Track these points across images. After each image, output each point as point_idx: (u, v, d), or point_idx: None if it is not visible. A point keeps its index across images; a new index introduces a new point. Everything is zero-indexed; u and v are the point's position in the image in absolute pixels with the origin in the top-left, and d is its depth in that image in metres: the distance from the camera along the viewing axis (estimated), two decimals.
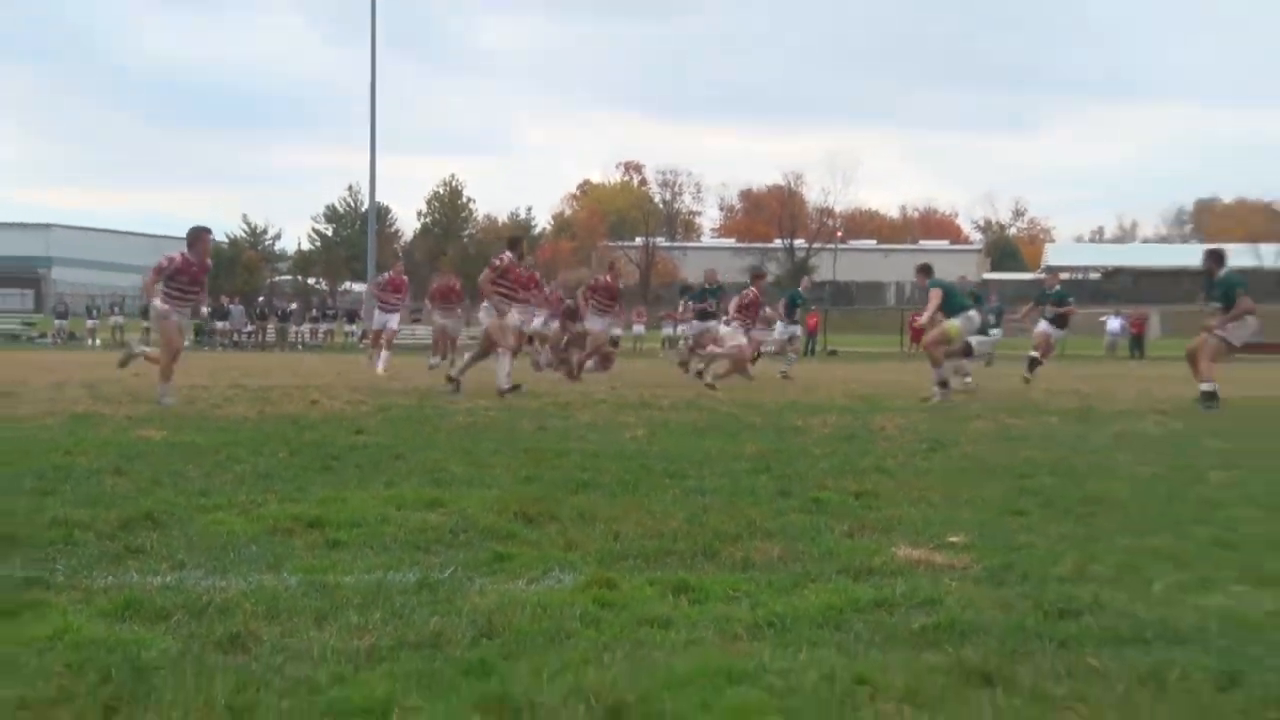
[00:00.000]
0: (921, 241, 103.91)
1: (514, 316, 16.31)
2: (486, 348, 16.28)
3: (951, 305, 16.22)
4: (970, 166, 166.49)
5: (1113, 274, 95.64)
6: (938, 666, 3.55)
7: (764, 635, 3.91)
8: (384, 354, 22.62)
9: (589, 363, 21.23)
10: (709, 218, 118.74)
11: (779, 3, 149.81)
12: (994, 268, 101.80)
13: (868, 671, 3.48)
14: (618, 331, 26.74)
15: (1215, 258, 16.01)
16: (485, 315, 16.11)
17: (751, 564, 5.06)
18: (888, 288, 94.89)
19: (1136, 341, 49.69)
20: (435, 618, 4.02)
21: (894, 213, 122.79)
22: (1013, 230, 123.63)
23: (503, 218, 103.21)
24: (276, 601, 4.23)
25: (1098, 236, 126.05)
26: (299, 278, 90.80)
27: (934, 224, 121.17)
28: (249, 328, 52.28)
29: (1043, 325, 22.07)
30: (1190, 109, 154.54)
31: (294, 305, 58.14)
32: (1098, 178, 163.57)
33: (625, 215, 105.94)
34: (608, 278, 21.92)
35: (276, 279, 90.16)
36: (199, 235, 14.66)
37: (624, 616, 4.10)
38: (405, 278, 24.45)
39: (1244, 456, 9.28)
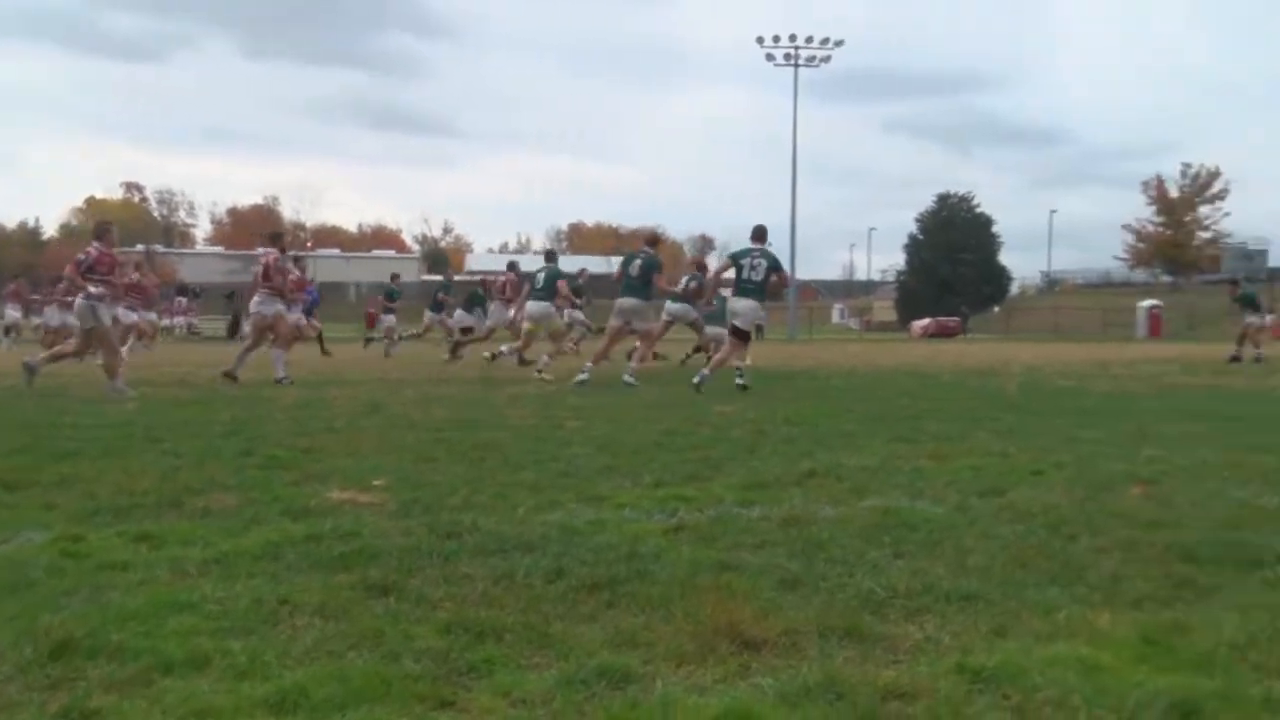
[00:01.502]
0: (374, 251, 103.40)
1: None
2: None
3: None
4: (411, 194, 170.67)
5: None
6: (347, 584, 3.47)
7: (210, 571, 3.66)
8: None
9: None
10: (203, 229, 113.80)
11: (245, 58, 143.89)
12: (429, 271, 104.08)
13: (290, 593, 3.34)
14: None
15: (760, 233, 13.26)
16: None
17: (210, 512, 4.72)
18: (349, 288, 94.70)
19: None
20: None
21: (353, 228, 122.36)
22: (443, 242, 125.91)
23: (11, 226, 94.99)
24: None
25: (504, 248, 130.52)
26: None
27: (384, 238, 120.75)
28: None
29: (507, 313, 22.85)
30: (564, 160, 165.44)
31: None
32: (502, 204, 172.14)
33: (128, 226, 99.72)
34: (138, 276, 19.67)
35: None
36: (108, 228, 12.14)
37: (87, 564, 3.70)
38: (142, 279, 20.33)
39: (595, 410, 9.84)
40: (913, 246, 76.85)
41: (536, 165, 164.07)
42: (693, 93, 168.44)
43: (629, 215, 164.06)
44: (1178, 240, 76.10)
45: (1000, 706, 2.48)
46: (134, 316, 19.33)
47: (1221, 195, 76.17)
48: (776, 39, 57.87)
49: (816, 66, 58.79)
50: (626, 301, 13.97)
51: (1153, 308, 56.35)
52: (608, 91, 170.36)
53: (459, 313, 22.23)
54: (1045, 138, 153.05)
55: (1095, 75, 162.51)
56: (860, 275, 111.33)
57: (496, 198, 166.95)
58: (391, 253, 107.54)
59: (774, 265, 12.69)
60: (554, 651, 2.86)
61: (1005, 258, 78.02)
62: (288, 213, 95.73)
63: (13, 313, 25.94)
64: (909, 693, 2.53)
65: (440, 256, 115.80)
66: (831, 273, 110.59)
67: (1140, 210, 79.82)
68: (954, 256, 72.08)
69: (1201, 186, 76.58)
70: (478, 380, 14.31)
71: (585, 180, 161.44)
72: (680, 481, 5.60)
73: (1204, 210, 76.87)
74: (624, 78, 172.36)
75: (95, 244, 11.97)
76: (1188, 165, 76.84)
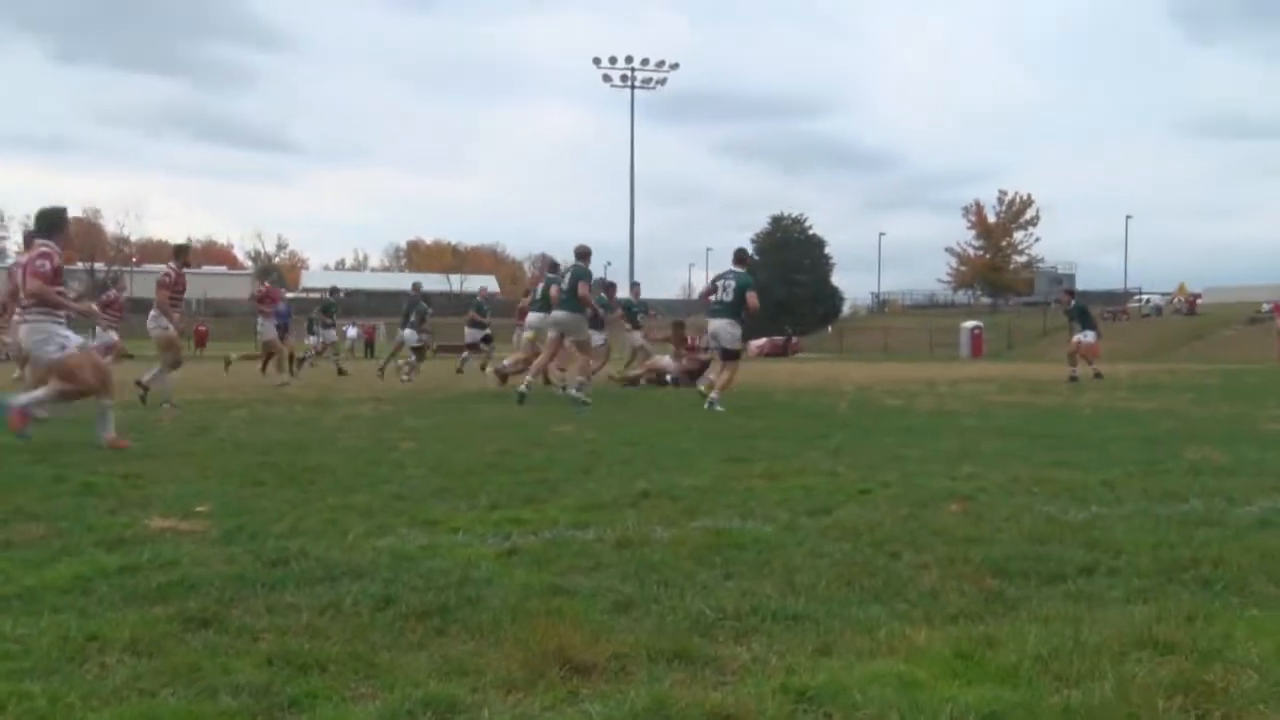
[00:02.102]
0: (205, 267, 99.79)
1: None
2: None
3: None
4: (242, 209, 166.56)
5: (352, 294, 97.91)
6: (163, 617, 3.31)
7: (11, 607, 3.43)
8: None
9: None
10: (15, 242, 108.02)
11: (55, 63, 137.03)
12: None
13: (100, 629, 3.16)
14: None
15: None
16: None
17: (13, 544, 4.42)
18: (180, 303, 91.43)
19: (369, 346, 50.98)
20: None
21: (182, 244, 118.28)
22: (278, 259, 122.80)
23: None
24: None
25: (341, 265, 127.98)
26: None
27: (214, 253, 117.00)
28: None
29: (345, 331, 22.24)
30: (401, 176, 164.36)
31: None
32: (338, 220, 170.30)
33: None
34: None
35: None
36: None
37: None
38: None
39: (431, 431, 9.71)
40: (750, 267, 78.58)
41: (373, 181, 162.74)
42: (531, 111, 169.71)
43: (468, 233, 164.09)
44: (996, 264, 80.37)
45: None
46: (114, 336, 18.47)
47: (1034, 222, 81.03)
48: (613, 60, 58.58)
49: (653, 88, 59.75)
50: (561, 315, 14.10)
51: (975, 328, 59.09)
52: (445, 108, 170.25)
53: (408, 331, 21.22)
54: (873, 162, 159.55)
55: (920, 103, 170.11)
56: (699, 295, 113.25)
57: (332, 214, 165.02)
58: (223, 269, 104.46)
59: (742, 285, 13.20)
60: (380, 682, 2.79)
61: (837, 278, 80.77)
62: (110, 226, 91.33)
63: None
64: (735, 714, 2.56)
65: (274, 273, 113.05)
66: (671, 292, 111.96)
67: (962, 234, 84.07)
68: (789, 277, 74.08)
69: (1016, 213, 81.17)
70: (311, 401, 13.94)
71: (423, 197, 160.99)
72: (516, 504, 5.55)
73: (1018, 236, 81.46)
74: (461, 95, 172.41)
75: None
76: (1004, 193, 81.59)
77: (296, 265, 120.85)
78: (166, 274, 13.79)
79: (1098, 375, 20.60)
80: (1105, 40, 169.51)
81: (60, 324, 8.38)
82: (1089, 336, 21.50)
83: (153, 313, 13.53)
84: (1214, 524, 4.98)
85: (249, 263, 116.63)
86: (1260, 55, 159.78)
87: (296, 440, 8.70)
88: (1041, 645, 3.01)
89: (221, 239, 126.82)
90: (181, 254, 14.59)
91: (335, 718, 2.54)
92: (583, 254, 14.58)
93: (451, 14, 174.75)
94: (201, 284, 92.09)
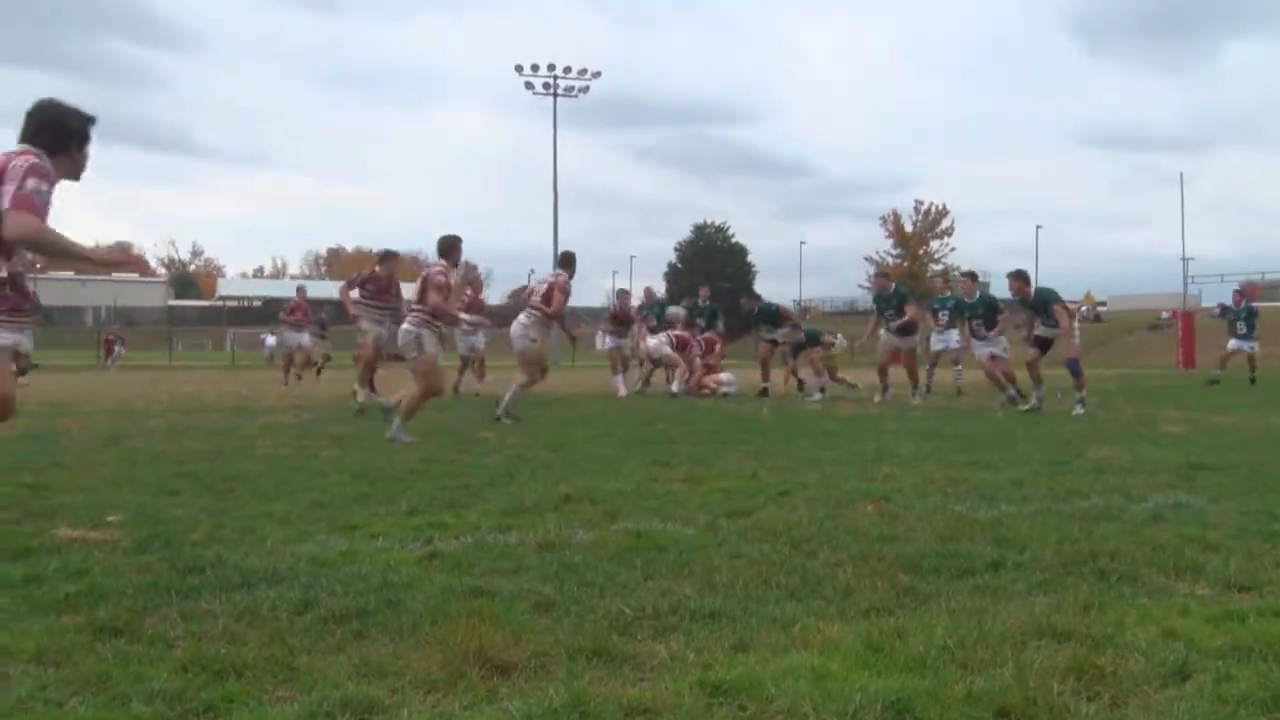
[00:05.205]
0: (115, 274, 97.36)
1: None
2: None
3: None
4: (147, 213, 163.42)
5: (271, 302, 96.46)
6: (72, 627, 3.25)
7: None
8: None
9: None
10: None
11: None
12: (177, 296, 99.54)
13: (4, 640, 3.08)
14: None
15: (1022, 278, 14.74)
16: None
17: None
18: (86, 311, 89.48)
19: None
20: None
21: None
22: (192, 267, 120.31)
23: None
24: None
25: (259, 273, 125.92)
26: None
27: None
28: None
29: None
30: (317, 182, 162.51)
31: None
32: (250, 227, 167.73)
33: None
34: None
35: None
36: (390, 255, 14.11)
37: None
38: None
39: (351, 438, 9.62)
40: (673, 274, 79.05)
41: (286, 187, 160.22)
42: (451, 117, 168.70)
43: (391, 240, 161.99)
44: (914, 271, 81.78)
45: (737, 717, 2.59)
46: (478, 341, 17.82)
47: (949, 231, 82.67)
48: (535, 68, 58.23)
49: (575, 97, 59.61)
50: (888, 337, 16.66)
51: None
52: (360, 112, 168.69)
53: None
54: (793, 170, 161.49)
55: (838, 112, 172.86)
56: None
57: (245, 220, 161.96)
58: (134, 276, 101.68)
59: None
60: (298, 685, 2.78)
61: (760, 285, 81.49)
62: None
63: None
64: (652, 709, 2.61)
65: (190, 280, 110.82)
66: (596, 299, 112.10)
67: (880, 243, 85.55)
68: (713, 285, 74.61)
69: (932, 222, 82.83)
70: (230, 410, 13.69)
71: (339, 203, 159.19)
72: (437, 509, 5.55)
73: (935, 245, 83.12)
74: (377, 99, 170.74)
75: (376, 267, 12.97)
76: (920, 202, 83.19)
77: (213, 272, 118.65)
78: (565, 282, 12.35)
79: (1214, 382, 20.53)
80: (1010, 52, 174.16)
81: (437, 331, 9.99)
82: (1252, 346, 20.83)
83: (524, 320, 12.08)
84: (1112, 519, 5.17)
85: (162, 270, 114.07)
86: (1153, 69, 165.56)
87: (214, 449, 8.56)
88: (948, 636, 3.10)
89: (132, 245, 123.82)
90: (570, 262, 12.84)
91: None
92: (886, 274, 18.06)
93: (362, 16, 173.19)
94: (111, 291, 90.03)
